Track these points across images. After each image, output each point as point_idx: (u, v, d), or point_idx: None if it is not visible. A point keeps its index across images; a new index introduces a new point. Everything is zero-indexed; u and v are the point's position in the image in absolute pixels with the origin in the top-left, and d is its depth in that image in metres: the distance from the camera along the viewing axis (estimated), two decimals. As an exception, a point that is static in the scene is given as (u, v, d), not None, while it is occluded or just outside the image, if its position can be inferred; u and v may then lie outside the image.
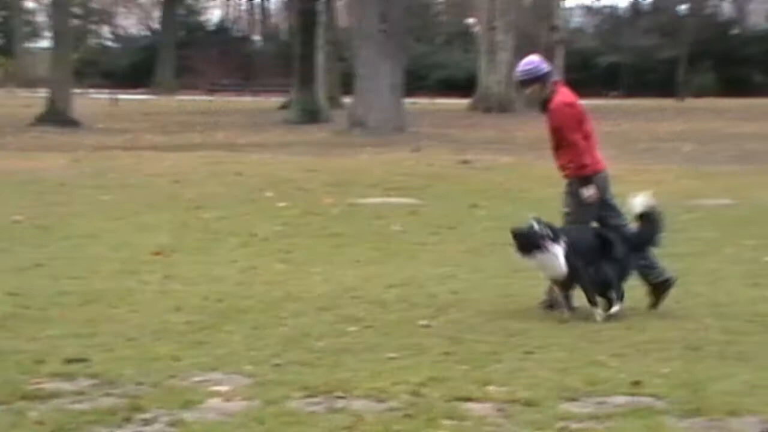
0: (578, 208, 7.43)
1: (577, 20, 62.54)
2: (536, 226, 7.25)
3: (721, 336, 6.68)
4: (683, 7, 55.59)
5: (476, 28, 49.53)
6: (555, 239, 7.20)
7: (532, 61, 7.56)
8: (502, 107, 38.38)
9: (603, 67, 51.45)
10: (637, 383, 5.57)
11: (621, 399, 5.37)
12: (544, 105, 7.49)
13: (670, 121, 31.71)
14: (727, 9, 61.11)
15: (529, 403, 5.28)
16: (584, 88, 8.29)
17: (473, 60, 44.42)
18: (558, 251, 7.19)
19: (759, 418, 5.09)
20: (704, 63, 50.98)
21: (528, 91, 7.54)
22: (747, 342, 6.53)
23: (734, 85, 49.81)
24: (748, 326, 6.96)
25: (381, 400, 5.35)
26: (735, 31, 56.88)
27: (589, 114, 7.60)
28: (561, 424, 5.02)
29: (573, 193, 7.45)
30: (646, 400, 5.34)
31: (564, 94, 7.48)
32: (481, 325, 6.98)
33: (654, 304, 7.46)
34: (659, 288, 7.44)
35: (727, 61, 51.13)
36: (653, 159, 19.03)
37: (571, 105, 7.45)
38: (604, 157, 7.71)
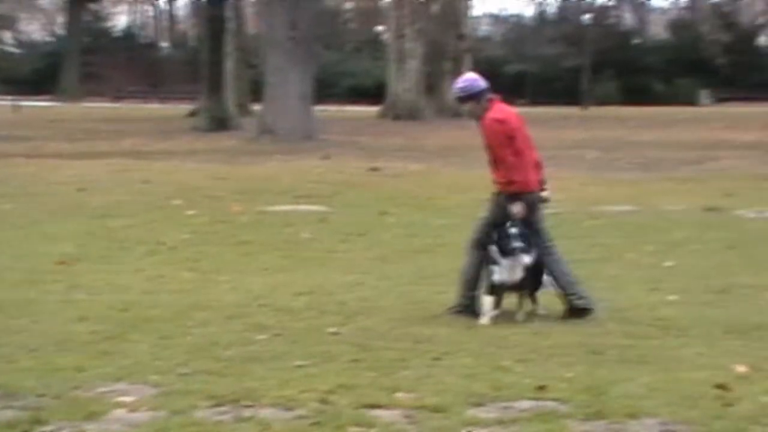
0: (498, 218, 7.51)
1: (484, 29, 63.47)
2: (515, 232, 7.36)
3: (622, 340, 6.83)
4: (587, 17, 56.75)
5: (385, 36, 49.80)
6: (528, 249, 7.37)
7: (468, 78, 7.72)
8: (412, 115, 38.67)
9: (510, 76, 52.13)
10: (541, 388, 5.66)
11: (526, 404, 5.45)
12: (479, 121, 7.57)
13: (575, 129, 32.32)
14: (628, 19, 62.63)
15: (436, 409, 5.32)
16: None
17: (382, 68, 44.67)
18: (525, 260, 7.36)
19: (657, 420, 5.22)
20: (607, 72, 52.10)
21: (466, 107, 7.66)
22: (647, 346, 6.69)
23: (635, 94, 51.03)
24: (648, 330, 7.13)
25: (289, 409, 5.34)
26: (636, 40, 58.29)
27: (525, 131, 7.63)
28: (467, 429, 5.09)
29: (497, 203, 7.56)
30: (550, 405, 5.43)
31: (497, 111, 7.55)
32: (390, 332, 7.02)
33: (565, 318, 7.56)
34: (573, 312, 7.54)
35: (628, 70, 52.36)
36: (559, 166, 19.30)
37: (501, 122, 7.50)
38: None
